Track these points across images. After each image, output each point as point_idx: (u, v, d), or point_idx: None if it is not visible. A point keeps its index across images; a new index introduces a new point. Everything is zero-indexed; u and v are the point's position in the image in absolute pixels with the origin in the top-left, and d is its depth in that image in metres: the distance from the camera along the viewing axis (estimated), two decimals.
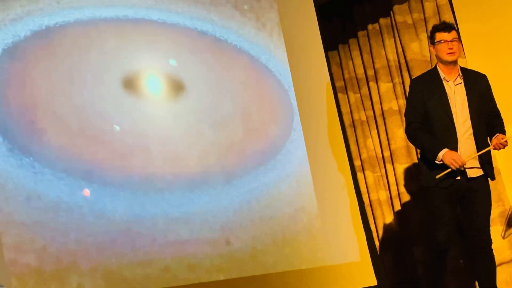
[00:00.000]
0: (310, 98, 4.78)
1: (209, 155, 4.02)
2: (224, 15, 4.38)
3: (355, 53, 5.68)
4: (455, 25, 4.04)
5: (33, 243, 3.24)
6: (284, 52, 4.66)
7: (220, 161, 4.05)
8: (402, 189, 5.33)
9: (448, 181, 3.85)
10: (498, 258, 4.66)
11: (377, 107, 5.50)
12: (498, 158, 4.85)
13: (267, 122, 4.41)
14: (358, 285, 4.58)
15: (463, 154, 3.85)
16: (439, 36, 3.94)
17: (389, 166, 5.42)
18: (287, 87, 4.59)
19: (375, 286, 4.76)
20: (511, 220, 4.79)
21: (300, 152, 4.49)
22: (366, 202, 5.46)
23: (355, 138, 5.61)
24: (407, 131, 4.03)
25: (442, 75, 3.96)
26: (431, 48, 4.02)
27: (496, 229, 4.77)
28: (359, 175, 5.51)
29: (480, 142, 3.88)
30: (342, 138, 5.00)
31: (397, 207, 5.37)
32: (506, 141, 3.80)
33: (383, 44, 5.51)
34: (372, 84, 5.54)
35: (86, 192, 3.47)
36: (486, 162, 3.90)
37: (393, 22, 5.45)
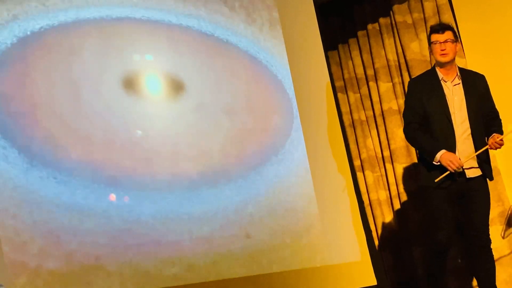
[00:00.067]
0: (310, 98, 4.78)
1: (209, 156, 4.01)
2: (224, 15, 4.38)
3: (355, 53, 5.68)
4: (451, 26, 4.03)
5: (59, 249, 3.30)
6: (284, 52, 4.66)
7: (219, 161, 4.05)
8: (402, 189, 5.33)
9: (447, 181, 3.86)
10: (497, 258, 4.67)
11: (376, 107, 5.50)
12: (498, 158, 4.86)
13: (267, 122, 4.41)
14: (358, 285, 4.58)
15: (462, 155, 3.86)
16: (433, 37, 3.95)
17: (388, 166, 5.42)
18: (287, 87, 4.59)
19: (374, 285, 4.77)
20: (511, 220, 4.80)
21: (300, 152, 4.49)
22: (366, 202, 5.46)
23: (354, 138, 5.61)
24: (405, 131, 4.04)
25: (440, 75, 3.97)
26: (429, 49, 4.03)
27: (496, 229, 4.77)
28: (359, 175, 5.51)
29: (478, 142, 3.88)
30: (342, 138, 5.00)
31: (397, 207, 5.37)
32: (502, 140, 3.81)
33: (383, 44, 5.51)
34: (372, 84, 5.54)
35: (112, 197, 3.56)
36: (484, 161, 3.91)
37: (393, 22, 5.45)
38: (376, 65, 5.51)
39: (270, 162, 4.29)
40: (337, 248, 4.50)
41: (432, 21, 5.17)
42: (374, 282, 4.76)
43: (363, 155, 5.53)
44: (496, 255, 4.64)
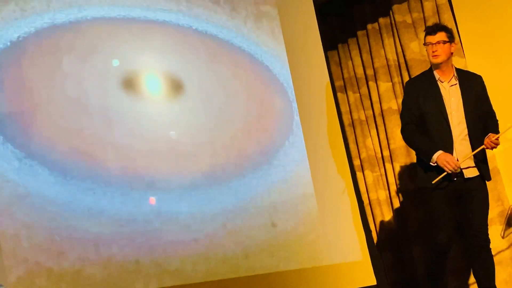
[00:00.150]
0: (310, 98, 4.78)
1: (208, 156, 4.01)
2: (224, 15, 4.38)
3: (355, 53, 5.68)
4: (446, 27, 4.04)
5: (99, 256, 3.39)
6: (284, 52, 4.66)
7: (219, 162, 4.05)
8: (402, 188, 5.33)
9: (445, 182, 3.86)
10: (497, 258, 4.67)
11: (376, 106, 5.50)
12: (498, 158, 4.86)
13: (267, 122, 4.41)
14: (357, 285, 4.58)
15: (459, 155, 3.87)
16: (426, 39, 3.99)
17: (388, 166, 5.42)
18: (286, 86, 4.59)
19: (374, 285, 4.77)
20: (511, 219, 4.80)
21: (300, 152, 4.49)
22: (366, 201, 5.46)
23: (354, 137, 5.61)
24: (403, 133, 4.05)
25: (436, 76, 3.98)
26: None
27: (495, 229, 4.77)
28: (359, 175, 5.51)
29: (475, 142, 3.89)
30: (342, 138, 5.00)
31: (397, 206, 5.37)
32: (497, 140, 3.81)
33: (383, 43, 5.51)
34: (372, 83, 5.54)
35: (152, 200, 3.67)
36: (480, 161, 3.92)
37: (393, 22, 5.45)
38: (376, 65, 5.51)
39: (270, 162, 4.29)
40: (337, 247, 4.50)
41: (432, 21, 5.17)
42: (373, 282, 4.76)
43: (363, 155, 5.53)
44: (495, 254, 4.65)
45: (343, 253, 4.55)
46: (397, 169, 5.34)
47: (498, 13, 4.93)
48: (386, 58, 5.48)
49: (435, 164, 3.84)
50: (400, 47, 5.39)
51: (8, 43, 3.41)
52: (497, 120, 4.01)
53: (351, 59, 5.70)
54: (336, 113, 5.03)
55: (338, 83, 5.72)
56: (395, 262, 5.34)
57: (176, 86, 4.02)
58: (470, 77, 4.05)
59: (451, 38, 3.97)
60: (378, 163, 5.51)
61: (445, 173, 3.81)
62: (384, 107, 5.41)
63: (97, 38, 3.73)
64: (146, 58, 3.94)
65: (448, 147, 3.87)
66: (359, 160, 5.55)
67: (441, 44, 3.92)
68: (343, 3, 5.67)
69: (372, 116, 5.55)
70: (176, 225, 3.74)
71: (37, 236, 3.24)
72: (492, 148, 3.86)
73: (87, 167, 3.50)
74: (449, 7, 5.16)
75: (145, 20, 3.97)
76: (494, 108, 4.10)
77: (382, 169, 5.49)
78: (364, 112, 5.61)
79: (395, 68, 5.44)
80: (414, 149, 4.15)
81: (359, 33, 5.64)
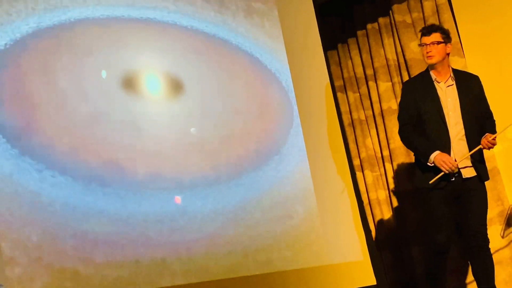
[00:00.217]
0: (310, 97, 4.78)
1: (208, 156, 4.01)
2: (223, 15, 4.38)
3: (354, 53, 5.68)
4: (440, 27, 4.06)
5: (125, 258, 3.44)
6: (284, 52, 4.66)
7: (219, 161, 4.05)
8: (401, 188, 5.33)
9: (443, 182, 3.87)
10: (497, 258, 4.67)
11: (376, 106, 5.50)
12: (498, 157, 4.86)
13: (267, 122, 4.41)
14: (357, 284, 4.59)
15: (457, 155, 3.88)
16: (421, 39, 4.02)
17: (388, 165, 5.43)
18: (286, 86, 4.59)
19: (374, 285, 4.77)
20: (510, 219, 4.80)
21: (300, 152, 4.50)
22: (365, 201, 5.46)
23: (354, 137, 5.61)
24: (400, 133, 4.07)
25: (433, 76, 3.99)
26: None
27: (495, 229, 4.77)
28: (358, 175, 5.51)
29: (473, 143, 3.90)
30: (342, 138, 5.00)
31: (396, 206, 5.37)
32: (494, 140, 3.82)
33: (382, 43, 5.51)
34: (371, 83, 5.54)
35: (178, 199, 3.73)
36: (477, 161, 3.92)
37: (392, 22, 5.45)
38: (376, 65, 5.51)
39: (270, 162, 4.29)
40: (336, 247, 4.50)
41: (432, 21, 5.17)
42: (373, 281, 4.76)
43: (363, 155, 5.54)
44: (495, 254, 4.64)
45: (343, 253, 4.55)
46: (397, 169, 5.34)
47: (498, 13, 4.93)
48: (386, 58, 5.48)
49: (433, 164, 3.85)
50: (400, 47, 5.39)
51: (10, 42, 3.41)
52: (494, 120, 4.02)
53: (351, 59, 5.70)
54: (336, 113, 5.03)
55: (338, 83, 5.72)
56: (395, 262, 5.34)
57: (176, 86, 4.02)
58: (467, 78, 4.06)
59: (446, 39, 3.98)
60: (377, 163, 5.51)
61: (442, 173, 3.82)
62: (384, 107, 5.41)
63: (94, 39, 3.74)
64: (145, 58, 3.94)
65: (446, 147, 3.88)
66: (358, 160, 5.55)
67: (435, 45, 3.94)
68: (342, 3, 5.67)
69: (372, 116, 5.55)
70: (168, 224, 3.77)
71: (38, 236, 3.23)
72: (489, 148, 3.86)
73: (87, 167, 3.49)
74: (448, 7, 5.16)
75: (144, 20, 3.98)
76: (493, 108, 4.11)
77: (382, 169, 5.49)
78: (364, 112, 5.61)
79: (395, 68, 5.45)
80: (411, 150, 4.17)
81: (359, 33, 5.64)
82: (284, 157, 4.38)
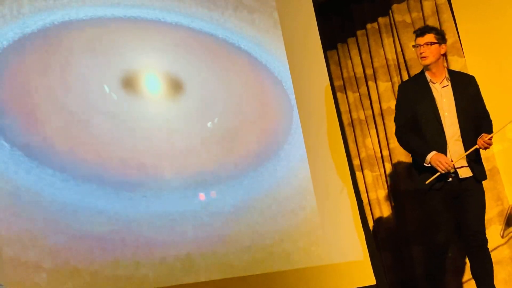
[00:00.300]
0: (310, 97, 4.78)
1: (208, 155, 4.01)
2: (224, 15, 4.38)
3: (354, 52, 5.68)
4: (435, 28, 4.06)
5: (152, 258, 3.52)
6: (283, 52, 4.66)
7: (219, 161, 4.05)
8: (401, 188, 5.33)
9: (440, 182, 3.88)
10: (497, 257, 4.67)
11: (376, 106, 5.50)
12: (497, 157, 4.86)
13: (267, 122, 4.41)
14: (357, 284, 4.58)
15: (453, 156, 3.89)
16: (415, 41, 4.04)
17: (387, 165, 5.43)
18: (286, 86, 4.59)
19: (374, 285, 4.77)
20: (510, 219, 4.80)
21: (300, 152, 4.50)
22: (365, 201, 5.46)
23: (354, 137, 5.61)
24: (397, 135, 4.09)
25: (428, 77, 4.00)
26: None
27: (495, 228, 4.77)
28: (358, 174, 5.51)
29: (469, 143, 3.90)
30: (341, 138, 5.00)
31: (396, 206, 5.37)
32: (490, 140, 3.82)
33: (382, 43, 5.51)
34: (371, 83, 5.54)
35: (202, 196, 3.80)
36: (473, 161, 3.93)
37: (392, 21, 5.45)
38: (375, 65, 5.51)
39: (269, 162, 4.29)
40: (336, 247, 4.50)
41: (431, 21, 5.17)
42: (373, 281, 4.76)
43: (362, 155, 5.53)
44: (495, 254, 4.64)
45: (343, 253, 4.55)
46: (397, 168, 5.34)
47: (497, 13, 4.93)
48: (386, 58, 5.48)
49: (429, 165, 3.86)
50: (399, 46, 5.39)
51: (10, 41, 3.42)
52: (491, 120, 4.02)
53: (351, 59, 5.70)
54: (335, 114, 5.03)
55: (338, 82, 5.72)
56: (395, 262, 5.34)
57: (176, 86, 4.02)
58: (463, 78, 4.07)
59: (440, 40, 3.99)
60: (377, 162, 5.51)
61: (438, 173, 3.83)
62: (384, 106, 5.41)
63: (93, 39, 3.75)
64: (145, 58, 3.94)
65: (442, 148, 3.89)
66: (358, 160, 5.55)
67: (429, 46, 3.96)
68: (342, 2, 5.67)
69: (372, 115, 5.55)
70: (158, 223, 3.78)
71: (39, 236, 3.23)
72: (485, 148, 3.87)
73: (88, 167, 3.50)
74: (448, 6, 5.16)
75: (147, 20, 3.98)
76: (493, 107, 4.11)
77: (382, 169, 5.49)
78: (364, 111, 5.61)
79: (395, 67, 5.45)
80: (408, 151, 4.19)
81: (359, 32, 5.64)
82: (284, 157, 4.38)
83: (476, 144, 3.85)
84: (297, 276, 4.19)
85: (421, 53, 3.97)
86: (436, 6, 5.22)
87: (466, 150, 3.88)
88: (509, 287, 4.69)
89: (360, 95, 5.63)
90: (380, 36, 5.52)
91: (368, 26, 5.58)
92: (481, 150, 3.95)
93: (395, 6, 5.41)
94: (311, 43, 4.98)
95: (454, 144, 3.92)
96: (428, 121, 3.94)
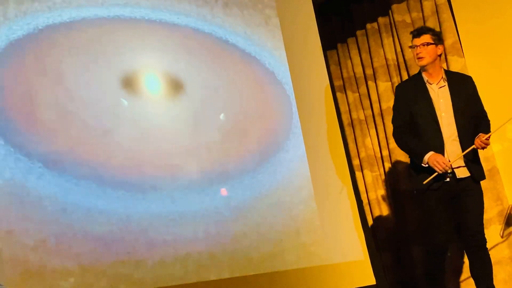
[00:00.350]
0: (309, 97, 4.78)
1: (208, 155, 4.01)
2: (223, 14, 4.38)
3: (354, 52, 5.69)
4: (431, 29, 4.07)
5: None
6: (283, 51, 4.66)
7: (218, 161, 4.05)
8: (401, 188, 5.33)
9: (438, 182, 3.88)
10: (496, 257, 4.67)
11: (375, 106, 5.50)
12: (497, 157, 4.86)
13: (267, 122, 4.41)
14: (357, 284, 4.58)
15: (450, 156, 3.89)
16: (412, 41, 4.05)
17: (387, 165, 5.43)
18: (286, 87, 4.59)
19: (374, 285, 4.77)
20: (510, 219, 4.80)
21: (299, 152, 4.49)
22: (365, 201, 5.46)
23: (353, 137, 5.61)
24: (395, 136, 4.10)
25: (425, 78, 4.01)
26: None
27: (495, 228, 4.77)
28: (358, 174, 5.51)
29: (466, 143, 3.91)
30: (341, 138, 5.00)
31: (396, 206, 5.37)
32: (487, 140, 3.82)
33: (382, 43, 5.51)
34: (371, 83, 5.54)
35: (224, 191, 3.84)
36: (471, 161, 3.93)
37: (392, 21, 5.45)
38: (375, 65, 5.51)
39: (269, 162, 4.29)
40: (336, 247, 4.50)
41: (431, 21, 5.18)
42: (373, 281, 4.76)
43: (362, 154, 5.54)
44: (495, 254, 4.65)
45: (343, 253, 4.55)
46: (396, 168, 5.34)
47: (497, 13, 4.93)
48: (385, 58, 5.48)
49: (427, 165, 3.86)
50: (399, 46, 5.40)
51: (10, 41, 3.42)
52: (488, 120, 4.03)
53: (350, 59, 5.70)
54: (335, 114, 5.03)
55: (337, 82, 5.72)
56: (395, 262, 5.34)
57: (176, 86, 4.02)
58: (460, 78, 4.08)
59: (436, 41, 4.00)
60: (377, 162, 5.52)
61: (436, 173, 3.84)
62: (383, 106, 5.41)
63: (93, 39, 3.75)
64: (145, 58, 3.94)
65: (439, 148, 3.90)
66: (358, 160, 5.55)
67: (425, 46, 3.96)
68: (342, 2, 5.68)
69: (371, 115, 5.55)
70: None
71: (38, 236, 3.23)
72: (482, 148, 3.87)
73: (88, 167, 3.50)
74: (448, 6, 5.16)
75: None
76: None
77: (381, 169, 5.49)
78: (363, 111, 5.61)
79: (394, 67, 5.45)
80: (406, 152, 4.20)
81: (358, 32, 5.64)
82: (283, 157, 4.37)
83: (473, 144, 3.85)
84: (297, 276, 4.19)
85: (417, 54, 3.98)
86: (436, 6, 5.22)
87: (463, 150, 3.89)
88: (509, 287, 4.69)
89: (360, 95, 5.64)
90: (380, 36, 5.52)
91: (368, 26, 5.58)
92: (480, 150, 3.95)
93: (395, 6, 5.41)
94: (311, 43, 4.98)
95: (451, 144, 3.92)
96: (425, 121, 3.95)
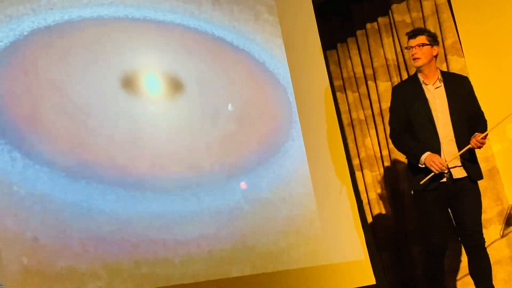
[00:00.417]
0: (309, 97, 4.78)
1: (207, 155, 4.01)
2: (223, 14, 4.38)
3: (354, 52, 5.69)
4: (426, 30, 4.09)
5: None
6: (283, 51, 4.66)
7: (218, 161, 4.04)
8: (401, 188, 5.34)
9: (435, 183, 3.88)
10: (496, 257, 4.67)
11: (375, 106, 5.50)
12: (497, 157, 4.86)
13: (266, 122, 4.41)
14: (356, 284, 4.58)
15: (447, 156, 3.90)
16: (408, 43, 4.07)
17: (387, 165, 5.43)
18: (286, 86, 4.59)
19: (373, 285, 4.77)
20: (510, 219, 4.80)
21: (299, 152, 4.49)
22: (365, 201, 5.47)
23: (353, 137, 5.61)
24: (391, 137, 4.11)
25: (420, 79, 4.02)
26: None
27: (494, 228, 4.77)
28: (358, 174, 5.51)
29: (462, 143, 3.91)
30: (341, 138, 5.00)
31: (396, 206, 5.37)
32: (483, 139, 3.83)
33: (382, 43, 5.51)
34: (371, 83, 5.54)
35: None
36: (467, 161, 3.93)
37: (392, 21, 5.45)
38: (375, 64, 5.51)
39: (269, 162, 4.29)
40: (336, 247, 4.50)
41: (431, 20, 5.18)
42: (373, 281, 4.76)
43: (362, 154, 5.54)
44: (494, 254, 4.65)
45: (343, 253, 4.55)
46: (396, 168, 5.34)
47: (497, 13, 4.93)
48: (385, 58, 5.48)
49: (423, 165, 3.87)
50: (399, 46, 5.40)
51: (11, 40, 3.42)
52: (485, 120, 4.03)
53: (350, 59, 5.70)
54: (335, 114, 5.03)
55: (337, 82, 5.72)
56: (395, 262, 5.34)
57: (176, 86, 4.02)
58: (456, 79, 4.09)
59: (432, 42, 4.01)
60: (377, 162, 5.52)
61: (432, 173, 3.84)
62: (383, 106, 5.41)
63: (93, 39, 3.75)
64: (145, 58, 3.94)
65: (436, 149, 3.90)
66: (358, 160, 5.56)
67: (421, 47, 3.98)
68: (342, 2, 5.68)
69: (371, 115, 5.56)
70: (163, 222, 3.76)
71: (38, 236, 3.23)
72: (478, 148, 3.87)
73: (88, 167, 3.50)
74: (448, 6, 5.16)
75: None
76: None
77: (381, 169, 5.49)
78: (363, 111, 5.62)
79: (394, 67, 5.45)
80: (403, 153, 4.22)
81: (358, 32, 5.64)
82: (283, 157, 4.37)
83: (469, 143, 3.86)
84: (297, 276, 4.19)
85: (413, 55, 4.00)
86: (436, 6, 5.22)
87: (459, 150, 3.89)
88: (509, 287, 4.69)
89: (359, 95, 5.64)
90: (380, 36, 5.53)
91: (368, 26, 5.59)
92: (480, 150, 3.95)
93: (394, 6, 5.41)
94: (310, 43, 4.98)
95: (447, 145, 3.92)
96: (421, 122, 3.96)
